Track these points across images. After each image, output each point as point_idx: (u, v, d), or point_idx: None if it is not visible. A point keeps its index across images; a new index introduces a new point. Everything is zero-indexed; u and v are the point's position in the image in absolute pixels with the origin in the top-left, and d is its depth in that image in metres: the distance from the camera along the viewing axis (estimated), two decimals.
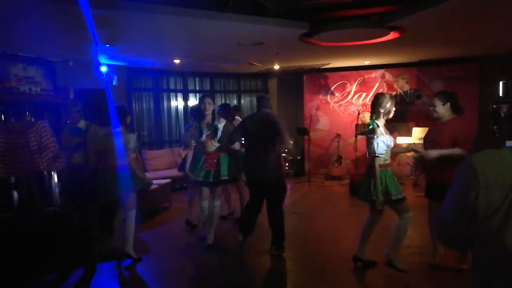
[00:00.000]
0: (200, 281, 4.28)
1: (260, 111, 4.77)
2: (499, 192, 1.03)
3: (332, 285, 4.04)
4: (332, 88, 10.11)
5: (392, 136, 4.15)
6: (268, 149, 4.56)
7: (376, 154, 3.87)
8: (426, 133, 4.28)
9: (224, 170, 4.90)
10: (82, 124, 4.83)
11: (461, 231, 1.15)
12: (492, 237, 1.04)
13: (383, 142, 3.88)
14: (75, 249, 4.85)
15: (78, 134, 4.71)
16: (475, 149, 8.04)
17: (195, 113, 5.57)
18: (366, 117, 9.71)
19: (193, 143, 4.97)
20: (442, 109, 4.03)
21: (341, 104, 10.07)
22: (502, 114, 7.86)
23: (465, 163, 1.12)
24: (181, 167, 5.75)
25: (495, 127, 8.02)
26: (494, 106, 8.23)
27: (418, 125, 8.78)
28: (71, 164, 4.71)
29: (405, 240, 4.98)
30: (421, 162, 4.67)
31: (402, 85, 9.47)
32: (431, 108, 4.11)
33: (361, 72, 9.80)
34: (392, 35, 6.00)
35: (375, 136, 3.89)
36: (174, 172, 8.15)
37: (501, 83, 8.29)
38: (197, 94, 10.33)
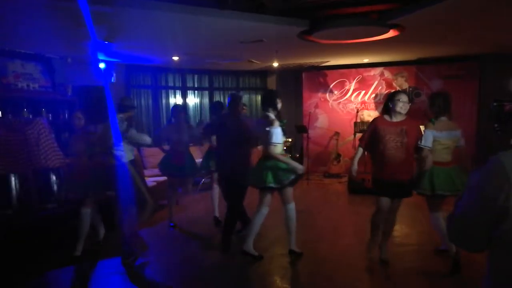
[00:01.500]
0: (199, 277, 4.28)
1: None
2: None
3: (331, 283, 4.04)
4: (331, 86, 10.10)
5: None
6: None
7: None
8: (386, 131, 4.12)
9: None
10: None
11: (483, 232, 1.12)
12: None
13: None
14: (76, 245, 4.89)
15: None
16: (478, 148, 7.99)
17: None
18: (365, 115, 9.72)
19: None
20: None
21: (340, 102, 10.07)
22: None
23: (492, 163, 1.09)
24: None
25: (496, 125, 7.85)
26: (495, 104, 8.08)
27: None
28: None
29: (402, 238, 5.01)
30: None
31: (401, 83, 9.46)
32: (405, 106, 4.09)
33: (360, 70, 9.79)
34: (391, 33, 5.98)
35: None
36: None
37: None
38: (196, 92, 10.31)
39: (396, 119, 4.07)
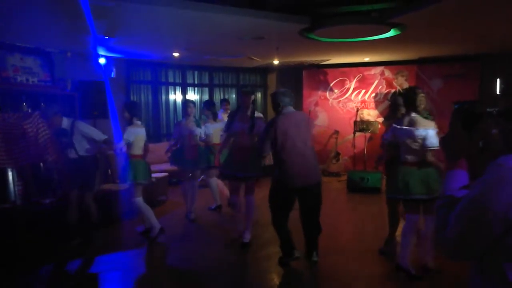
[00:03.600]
0: (196, 274, 4.27)
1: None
2: None
3: (329, 281, 4.04)
4: (331, 84, 10.08)
5: None
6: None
7: None
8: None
9: None
10: (64, 123, 4.90)
11: (485, 245, 1.05)
12: None
13: None
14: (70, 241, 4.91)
15: (64, 135, 4.79)
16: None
17: None
18: (365, 114, 9.70)
19: None
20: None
21: (340, 101, 10.04)
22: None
23: (500, 170, 1.00)
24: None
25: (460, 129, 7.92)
26: (457, 107, 8.07)
27: None
28: (66, 158, 4.83)
29: (398, 237, 4.99)
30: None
31: (402, 83, 9.43)
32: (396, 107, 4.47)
33: (361, 68, 9.77)
34: (393, 32, 5.97)
35: None
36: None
37: (498, 80, 8.24)
38: (196, 88, 10.29)
39: None
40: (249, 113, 4.87)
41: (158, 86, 9.70)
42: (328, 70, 10.08)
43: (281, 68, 10.14)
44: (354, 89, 9.89)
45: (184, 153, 5.88)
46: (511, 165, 0.97)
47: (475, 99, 8.20)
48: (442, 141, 1.42)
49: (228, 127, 5.02)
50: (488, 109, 1.23)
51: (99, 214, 5.19)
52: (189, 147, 5.86)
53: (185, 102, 6.74)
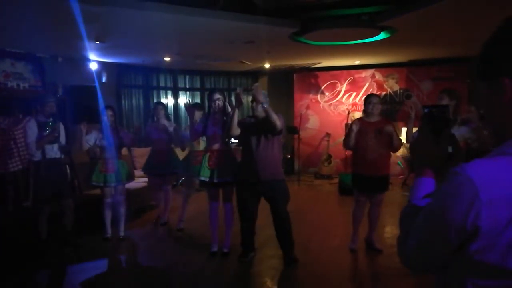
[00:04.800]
0: (186, 280, 4.27)
1: None
2: (506, 208, 0.89)
3: (321, 284, 4.06)
4: (322, 87, 10.14)
5: None
6: None
7: None
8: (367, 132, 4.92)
9: None
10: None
11: (446, 257, 1.01)
12: (493, 260, 0.91)
13: None
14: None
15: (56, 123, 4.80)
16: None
17: None
18: (356, 116, 9.75)
19: None
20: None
21: (331, 104, 10.10)
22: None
23: (457, 179, 0.95)
24: None
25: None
26: (426, 111, 8.19)
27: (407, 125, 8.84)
28: (44, 158, 4.73)
29: (392, 240, 5.04)
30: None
31: (392, 85, 9.52)
32: (371, 106, 4.91)
33: (352, 71, 9.83)
34: (382, 35, 6.02)
35: None
36: None
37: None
38: (187, 92, 10.30)
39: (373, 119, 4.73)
40: (221, 114, 4.70)
41: (150, 91, 9.70)
42: (319, 73, 10.14)
43: (272, 72, 10.17)
44: (345, 92, 9.95)
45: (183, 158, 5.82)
46: (468, 174, 0.93)
47: (447, 104, 8.32)
48: (411, 146, 1.41)
49: (203, 131, 4.74)
50: (481, 111, 1.22)
51: (76, 225, 5.16)
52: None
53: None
